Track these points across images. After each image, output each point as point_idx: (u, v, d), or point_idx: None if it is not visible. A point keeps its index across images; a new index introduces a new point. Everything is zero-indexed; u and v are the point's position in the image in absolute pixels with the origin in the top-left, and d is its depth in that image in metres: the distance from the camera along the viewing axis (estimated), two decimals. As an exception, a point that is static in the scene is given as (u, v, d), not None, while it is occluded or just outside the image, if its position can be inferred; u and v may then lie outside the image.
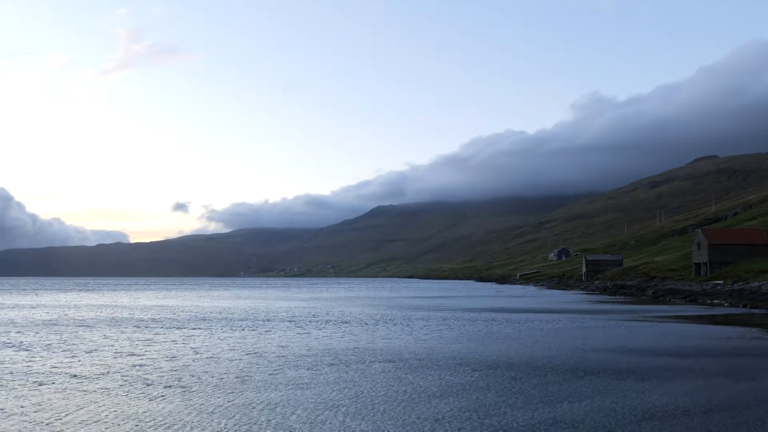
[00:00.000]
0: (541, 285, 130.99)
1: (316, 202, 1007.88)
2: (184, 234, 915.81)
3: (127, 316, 42.25)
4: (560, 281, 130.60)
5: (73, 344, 25.66)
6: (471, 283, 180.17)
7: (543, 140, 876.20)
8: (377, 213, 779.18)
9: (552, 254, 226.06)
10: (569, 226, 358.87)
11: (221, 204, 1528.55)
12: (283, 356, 21.38)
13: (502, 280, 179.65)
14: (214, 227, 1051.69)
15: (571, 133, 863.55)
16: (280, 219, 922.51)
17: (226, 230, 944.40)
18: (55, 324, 35.97)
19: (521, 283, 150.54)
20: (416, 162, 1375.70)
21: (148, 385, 15.98)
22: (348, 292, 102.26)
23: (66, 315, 43.95)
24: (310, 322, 36.72)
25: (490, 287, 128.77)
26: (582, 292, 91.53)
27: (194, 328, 32.40)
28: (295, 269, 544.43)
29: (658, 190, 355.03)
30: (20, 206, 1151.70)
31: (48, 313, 46.85)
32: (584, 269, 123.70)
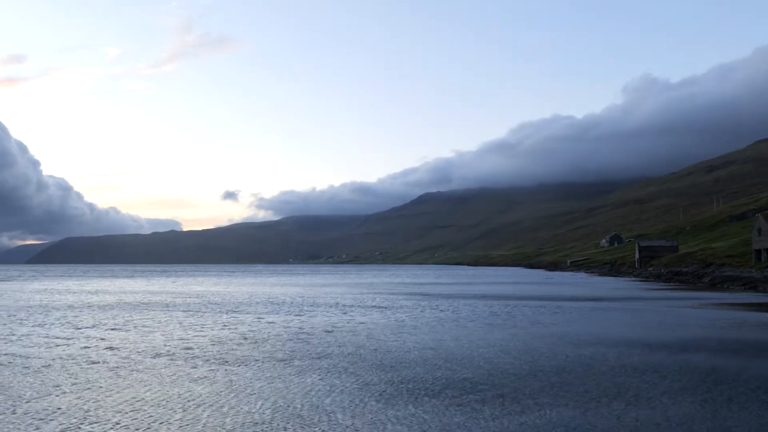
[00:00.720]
0: (592, 272, 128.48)
1: (363, 190, 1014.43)
2: (234, 222, 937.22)
3: (179, 301, 43.40)
4: (612, 268, 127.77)
5: (126, 327, 26.48)
6: (520, 270, 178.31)
7: (592, 125, 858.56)
8: (425, 200, 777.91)
9: (604, 240, 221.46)
10: (622, 211, 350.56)
11: (270, 192, 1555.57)
12: (326, 341, 21.51)
13: (552, 267, 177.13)
14: (263, 215, 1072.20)
15: (622, 117, 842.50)
16: (327, 206, 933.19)
17: (274, 218, 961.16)
18: (110, 308, 37.22)
19: (571, 270, 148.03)
20: (463, 148, 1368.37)
21: (194, 367, 16.32)
22: (395, 278, 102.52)
23: (121, 300, 45.44)
24: (356, 307, 36.90)
25: (540, 274, 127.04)
26: (635, 279, 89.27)
27: (242, 313, 32.96)
28: (343, 256, 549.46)
29: (716, 174, 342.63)
30: (79, 196, 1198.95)
31: (104, 297, 48.54)
32: (637, 255, 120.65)
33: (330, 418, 11.05)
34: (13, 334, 23.48)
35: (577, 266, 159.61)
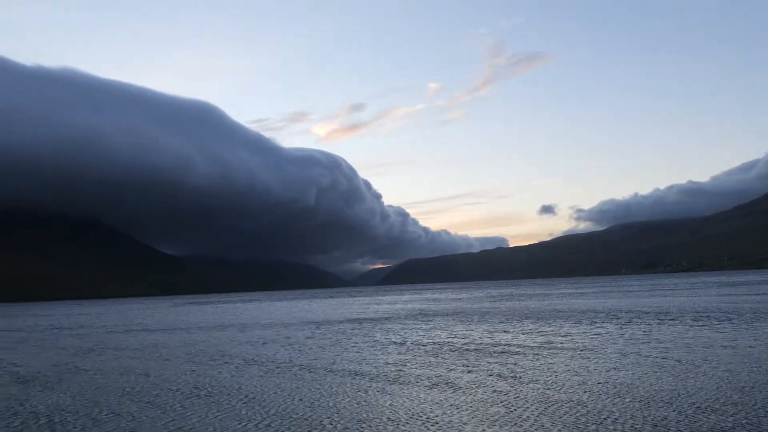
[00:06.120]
0: None
1: (693, 191, 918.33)
2: (554, 236, 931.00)
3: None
4: None
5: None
6: None
7: None
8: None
9: None
10: None
11: (588, 203, 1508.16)
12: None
13: None
14: (583, 226, 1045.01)
15: None
16: (653, 211, 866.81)
17: (597, 228, 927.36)
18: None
19: None
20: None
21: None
22: None
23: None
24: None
25: None
26: None
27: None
28: (683, 263, 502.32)
29: None
30: (415, 222, 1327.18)
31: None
32: None
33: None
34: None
35: None
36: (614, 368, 15.15)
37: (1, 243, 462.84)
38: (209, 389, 14.29)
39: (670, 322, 28.69)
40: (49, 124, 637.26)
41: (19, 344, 31.20)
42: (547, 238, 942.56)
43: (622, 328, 26.33)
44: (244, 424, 10.57)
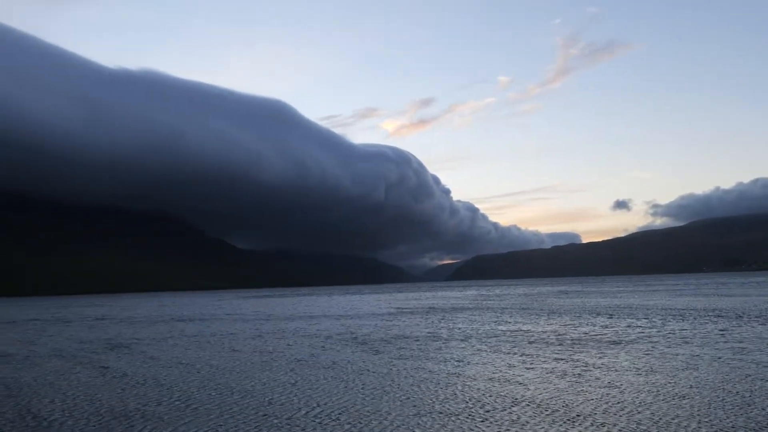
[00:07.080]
0: None
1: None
2: (629, 232, 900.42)
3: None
4: None
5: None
6: None
7: None
8: None
9: None
10: None
11: (665, 198, 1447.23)
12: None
13: None
14: (660, 222, 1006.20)
15: None
16: (736, 206, 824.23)
17: (675, 224, 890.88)
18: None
19: None
20: None
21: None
22: None
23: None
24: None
25: None
26: None
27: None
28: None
29: None
30: (484, 217, 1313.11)
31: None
32: None
33: None
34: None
35: None
36: (683, 369, 14.63)
37: (84, 237, 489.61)
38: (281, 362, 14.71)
39: (751, 322, 27.36)
40: (131, 124, 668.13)
41: (92, 329, 33.06)
42: (622, 234, 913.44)
43: (696, 328, 25.35)
44: (310, 401, 10.84)
